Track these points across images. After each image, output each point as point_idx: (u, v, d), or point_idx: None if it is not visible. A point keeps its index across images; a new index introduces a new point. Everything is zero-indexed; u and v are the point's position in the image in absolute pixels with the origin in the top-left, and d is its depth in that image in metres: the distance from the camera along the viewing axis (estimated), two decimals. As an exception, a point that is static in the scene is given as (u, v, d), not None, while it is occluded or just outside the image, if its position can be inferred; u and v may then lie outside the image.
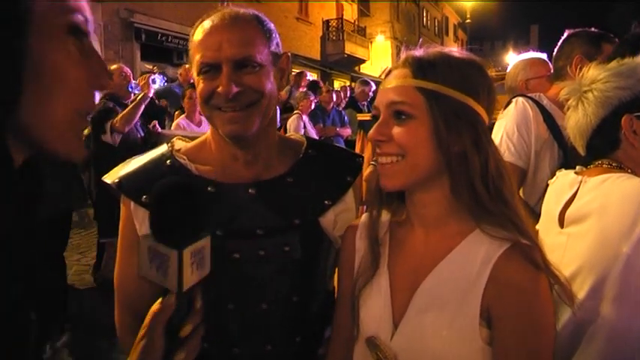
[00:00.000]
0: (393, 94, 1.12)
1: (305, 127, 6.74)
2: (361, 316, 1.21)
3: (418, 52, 1.15)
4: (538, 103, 2.40)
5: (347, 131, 7.42)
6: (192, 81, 6.07)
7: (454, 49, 1.18)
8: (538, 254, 1.06)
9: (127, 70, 4.82)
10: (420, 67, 1.11)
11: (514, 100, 2.45)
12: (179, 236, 0.84)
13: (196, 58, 1.24)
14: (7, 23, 0.61)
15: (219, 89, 1.21)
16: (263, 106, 1.27)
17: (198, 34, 1.26)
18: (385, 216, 1.26)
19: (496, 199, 1.09)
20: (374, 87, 8.93)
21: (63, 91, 0.67)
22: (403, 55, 1.17)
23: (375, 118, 1.16)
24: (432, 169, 1.11)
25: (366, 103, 8.78)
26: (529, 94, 2.48)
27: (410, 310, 1.12)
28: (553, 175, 2.20)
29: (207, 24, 1.25)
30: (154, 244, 0.85)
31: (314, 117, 7.16)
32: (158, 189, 0.86)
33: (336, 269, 1.48)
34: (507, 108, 2.45)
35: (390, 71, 1.18)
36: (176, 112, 6.29)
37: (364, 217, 1.29)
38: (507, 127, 2.35)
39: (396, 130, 1.10)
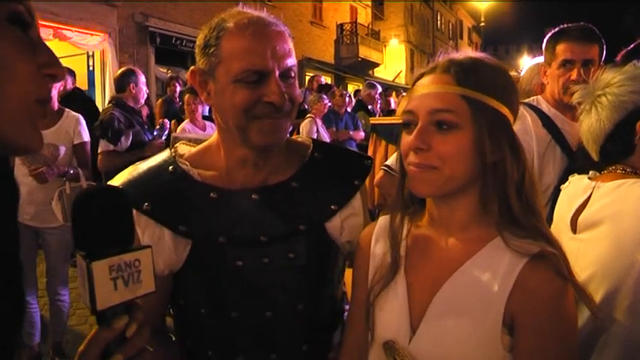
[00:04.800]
0: (435, 100, 1.07)
1: (318, 131, 6.74)
2: (377, 320, 1.19)
3: (458, 57, 1.11)
4: (536, 109, 2.39)
5: (360, 135, 7.40)
6: (188, 85, 6.07)
7: (482, 54, 1.15)
8: (563, 264, 1.03)
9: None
10: (464, 74, 1.07)
11: None
12: (92, 247, 0.77)
13: (236, 64, 1.17)
14: None
15: (270, 98, 1.17)
16: (293, 115, 1.27)
17: (233, 39, 1.19)
18: (404, 219, 1.24)
19: (527, 209, 1.08)
20: (380, 90, 8.90)
21: (12, 82, 0.65)
22: (441, 59, 1.12)
23: (407, 123, 1.11)
24: (466, 179, 1.09)
25: (379, 107, 8.78)
26: (525, 101, 2.47)
27: (429, 315, 1.10)
28: (558, 178, 2.19)
29: (246, 30, 1.18)
30: (79, 254, 0.77)
31: (327, 120, 7.15)
32: (79, 194, 0.78)
33: (345, 275, 1.46)
34: None
35: (422, 75, 1.14)
36: (172, 122, 6.30)
37: (381, 221, 1.27)
38: None
39: (438, 140, 1.06)
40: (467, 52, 1.14)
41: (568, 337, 1.03)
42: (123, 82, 4.54)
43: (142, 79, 4.66)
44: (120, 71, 4.73)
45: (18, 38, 0.67)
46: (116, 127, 4.27)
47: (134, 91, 4.54)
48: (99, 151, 4.33)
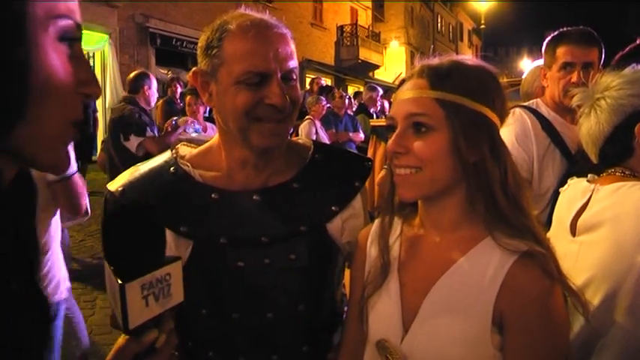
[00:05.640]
0: (410, 105, 1.11)
1: (317, 132, 6.74)
2: (370, 319, 1.21)
3: (434, 62, 1.14)
4: (535, 112, 2.40)
5: (359, 137, 7.41)
6: (190, 85, 6.11)
7: (466, 57, 1.18)
8: (552, 263, 1.05)
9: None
10: (438, 78, 1.10)
11: (511, 111, 2.43)
12: (125, 265, 0.75)
13: (238, 66, 1.18)
14: (7, 32, 0.56)
15: (272, 100, 1.18)
16: (294, 117, 1.27)
17: (235, 41, 1.19)
18: (397, 221, 1.26)
19: (514, 206, 1.09)
20: (381, 92, 8.91)
21: (55, 101, 0.62)
22: (418, 65, 1.15)
23: (391, 127, 1.15)
24: (449, 180, 1.11)
25: (378, 109, 8.78)
26: (525, 104, 2.48)
27: (421, 314, 1.11)
28: (557, 181, 2.19)
29: (248, 32, 1.18)
30: (110, 268, 0.76)
31: (326, 122, 7.17)
32: (110, 211, 0.75)
33: (345, 276, 1.47)
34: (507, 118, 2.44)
35: (403, 81, 1.17)
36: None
37: (376, 223, 1.29)
38: (506, 139, 2.31)
39: (415, 143, 1.09)
40: (447, 55, 1.16)
41: (557, 335, 1.05)
42: (137, 84, 4.65)
43: (154, 82, 4.75)
44: (134, 73, 4.84)
45: (66, 55, 0.64)
46: (137, 118, 4.41)
47: (147, 93, 4.66)
48: (136, 143, 4.40)
